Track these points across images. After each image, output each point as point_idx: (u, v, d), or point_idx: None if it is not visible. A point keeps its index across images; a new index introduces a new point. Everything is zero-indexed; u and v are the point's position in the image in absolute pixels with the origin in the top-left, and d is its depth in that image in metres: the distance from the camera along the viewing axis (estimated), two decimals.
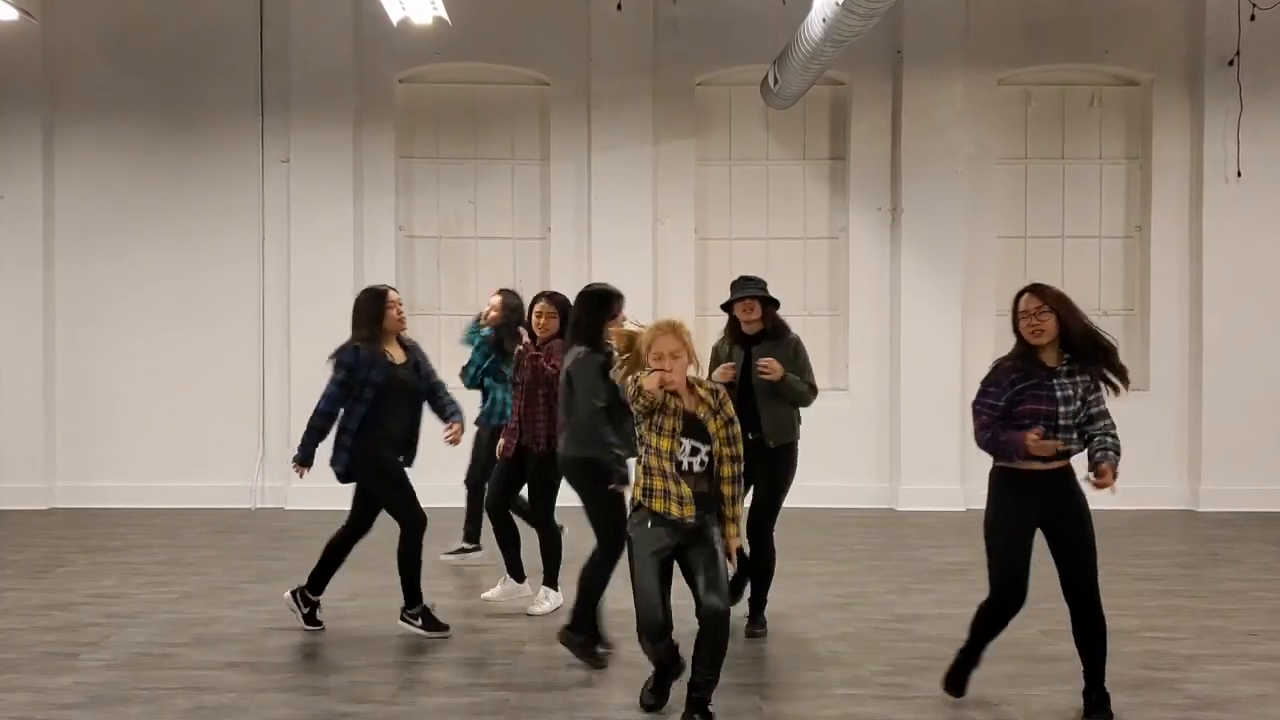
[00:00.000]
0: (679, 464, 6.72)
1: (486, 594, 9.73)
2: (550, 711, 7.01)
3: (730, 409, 6.88)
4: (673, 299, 15.49)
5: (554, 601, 9.41)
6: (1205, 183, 15.63)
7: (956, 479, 15.18)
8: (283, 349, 15.45)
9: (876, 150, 15.88)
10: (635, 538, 6.76)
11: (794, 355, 9.04)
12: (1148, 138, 16.02)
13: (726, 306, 9.22)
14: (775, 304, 9.19)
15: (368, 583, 10.30)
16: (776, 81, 13.91)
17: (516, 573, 9.65)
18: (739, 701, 7.19)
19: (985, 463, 7.29)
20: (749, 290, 9.13)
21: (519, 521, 9.71)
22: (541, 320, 9.37)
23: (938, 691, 7.34)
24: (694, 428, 6.76)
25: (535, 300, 9.54)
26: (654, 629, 6.68)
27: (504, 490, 9.50)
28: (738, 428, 6.89)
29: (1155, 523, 14.44)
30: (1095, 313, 15.98)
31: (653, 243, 15.64)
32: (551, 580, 9.48)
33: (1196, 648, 8.57)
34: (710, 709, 6.66)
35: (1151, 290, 15.95)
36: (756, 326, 9.08)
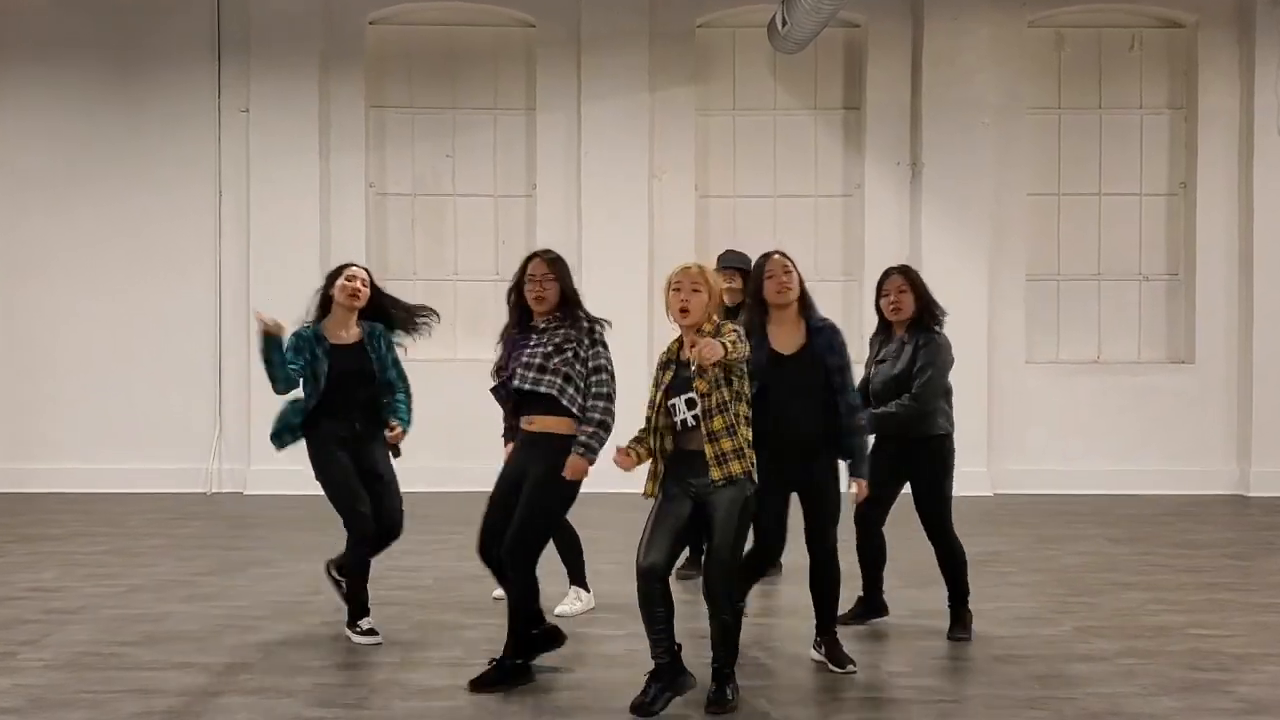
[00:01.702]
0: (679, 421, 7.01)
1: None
2: (535, 717, 6.97)
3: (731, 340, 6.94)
4: (670, 262, 15.36)
5: (585, 602, 9.34)
6: (1256, 135, 15.59)
7: (983, 462, 15.19)
8: (241, 316, 15.37)
9: (895, 99, 15.82)
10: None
11: None
12: (1193, 85, 15.96)
13: None
14: None
15: None
16: (785, 23, 13.82)
17: (580, 580, 9.53)
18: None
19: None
20: (732, 261, 10.20)
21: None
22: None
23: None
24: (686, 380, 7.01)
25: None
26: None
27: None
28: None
29: (1201, 509, 14.42)
30: (1135, 278, 16.17)
31: (649, 201, 15.59)
32: (579, 578, 9.41)
33: (1247, 646, 8.52)
34: (727, 689, 6.98)
35: (1197, 253, 15.92)
36: (737, 297, 9.52)
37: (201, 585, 10.32)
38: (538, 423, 7.55)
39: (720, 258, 10.43)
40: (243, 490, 15.32)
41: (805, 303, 7.83)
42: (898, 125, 15.82)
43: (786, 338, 7.72)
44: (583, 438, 7.40)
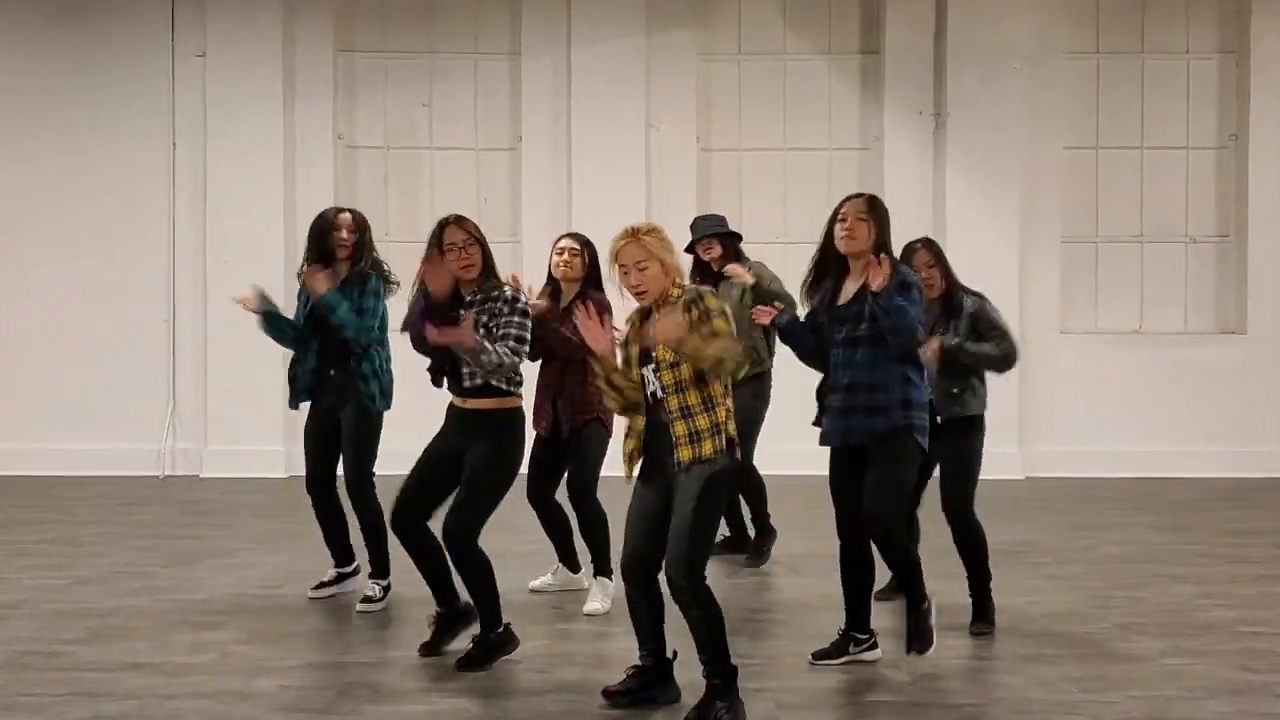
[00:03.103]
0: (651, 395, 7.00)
1: (535, 583, 9.70)
2: None
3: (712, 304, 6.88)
4: (669, 221, 15.12)
5: (608, 596, 9.35)
6: None
7: (1014, 442, 15.17)
8: (197, 281, 15.37)
9: (917, 43, 15.80)
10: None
11: (757, 284, 10.12)
12: (1245, 27, 15.94)
13: (689, 249, 10.18)
14: (737, 238, 10.42)
15: (303, 565, 10.24)
16: None
17: (570, 561, 9.74)
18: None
19: None
20: (708, 229, 10.39)
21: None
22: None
23: None
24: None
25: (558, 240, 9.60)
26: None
27: (541, 474, 9.51)
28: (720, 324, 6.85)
29: (1253, 493, 14.44)
30: (1181, 240, 16.15)
31: (645, 154, 15.57)
32: (604, 568, 9.42)
33: None
34: (716, 705, 6.80)
35: (1249, 213, 15.92)
36: (719, 265, 10.21)
37: (154, 577, 10.30)
38: (471, 402, 7.89)
39: (694, 225, 10.52)
40: (198, 473, 15.31)
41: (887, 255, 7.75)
42: (920, 71, 15.79)
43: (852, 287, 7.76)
44: (486, 344, 7.66)
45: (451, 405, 7.98)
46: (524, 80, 15.83)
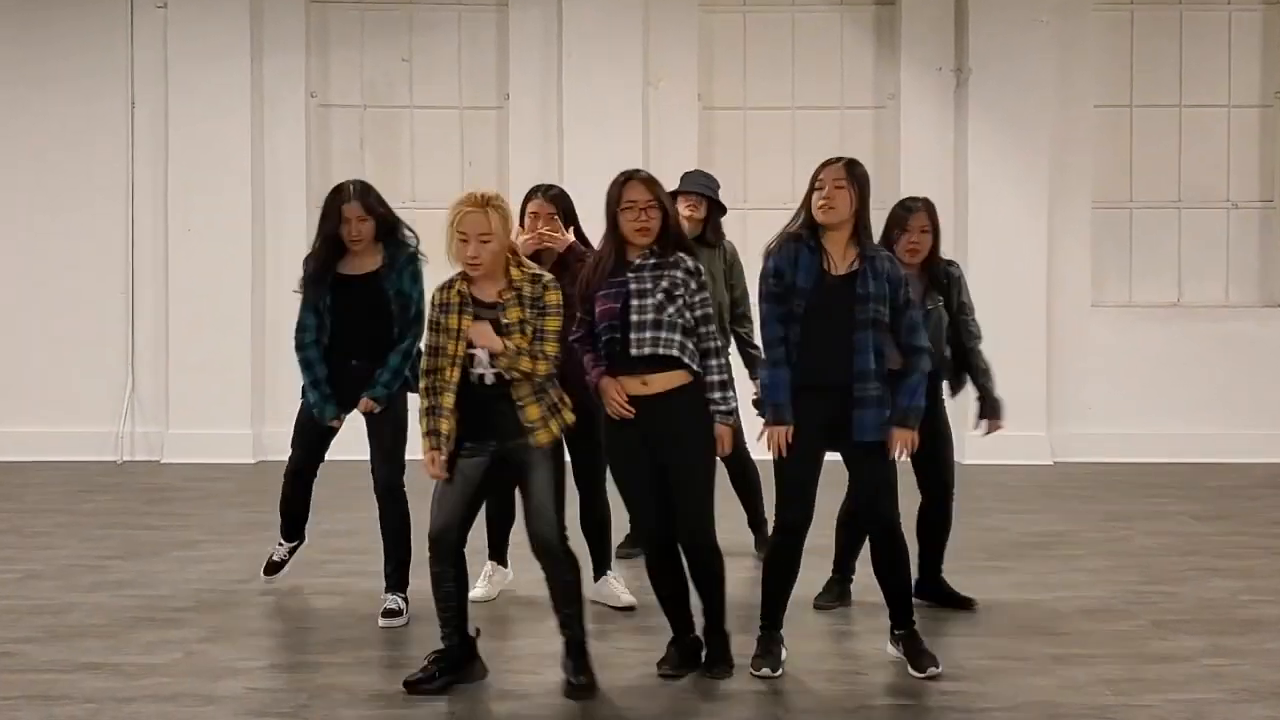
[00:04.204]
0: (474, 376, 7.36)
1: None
2: None
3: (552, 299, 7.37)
4: (668, 184, 15.35)
5: (625, 588, 9.33)
6: None
7: (1042, 425, 15.18)
8: (158, 251, 15.35)
9: None
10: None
11: (729, 268, 10.40)
12: None
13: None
14: (722, 209, 10.54)
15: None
16: None
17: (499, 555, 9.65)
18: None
19: None
20: (699, 186, 10.41)
21: None
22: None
23: None
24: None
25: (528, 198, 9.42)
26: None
27: None
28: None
29: None
30: (1222, 205, 16.13)
31: (643, 113, 15.56)
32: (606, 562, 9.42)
33: None
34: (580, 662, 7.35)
35: None
36: (698, 228, 10.21)
37: (111, 571, 10.30)
38: None
39: (683, 179, 10.53)
40: (159, 458, 15.30)
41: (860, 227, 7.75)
42: (939, 24, 15.77)
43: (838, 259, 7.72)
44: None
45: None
46: (511, 33, 15.80)
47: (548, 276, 7.46)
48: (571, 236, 9.15)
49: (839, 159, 7.83)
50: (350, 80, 16.11)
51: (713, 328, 7.62)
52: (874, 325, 7.51)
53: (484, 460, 7.38)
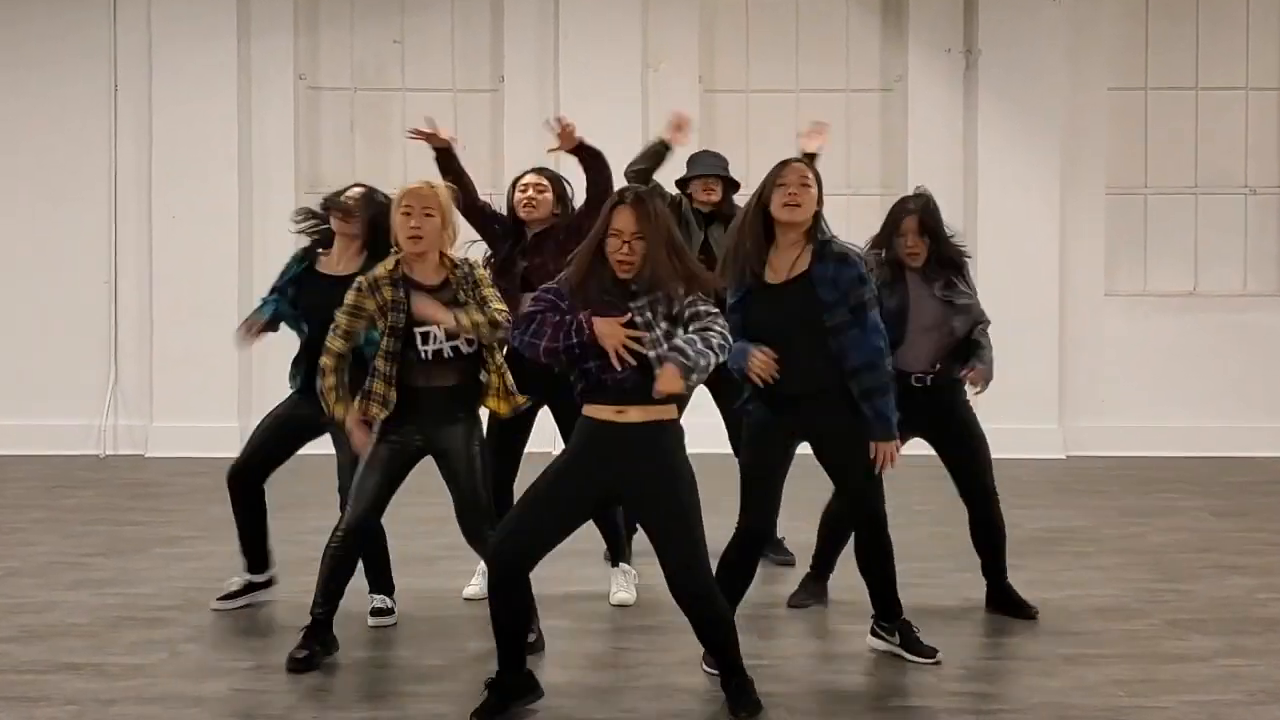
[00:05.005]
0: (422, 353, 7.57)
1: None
2: None
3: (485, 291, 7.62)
4: (668, 170, 15.38)
5: (632, 585, 9.32)
6: None
7: (1054, 418, 15.16)
8: (142, 239, 15.36)
9: None
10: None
11: None
12: None
13: (682, 184, 10.48)
14: (736, 186, 10.61)
15: None
16: None
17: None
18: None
19: None
20: (713, 167, 10.53)
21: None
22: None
23: None
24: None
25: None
26: None
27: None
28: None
29: None
30: (1240, 190, 16.12)
31: (642, 96, 15.57)
32: (623, 554, 9.41)
33: None
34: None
35: None
36: (714, 209, 10.47)
37: (93, 568, 10.31)
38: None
39: (692, 161, 10.66)
40: (143, 452, 15.31)
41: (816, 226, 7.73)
42: (948, 4, 15.79)
43: (782, 264, 7.65)
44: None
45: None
46: (507, 13, 15.81)
47: (468, 257, 7.80)
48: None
49: (799, 159, 7.92)
50: (340, 62, 16.11)
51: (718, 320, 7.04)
52: (829, 331, 7.44)
53: (407, 449, 7.66)
